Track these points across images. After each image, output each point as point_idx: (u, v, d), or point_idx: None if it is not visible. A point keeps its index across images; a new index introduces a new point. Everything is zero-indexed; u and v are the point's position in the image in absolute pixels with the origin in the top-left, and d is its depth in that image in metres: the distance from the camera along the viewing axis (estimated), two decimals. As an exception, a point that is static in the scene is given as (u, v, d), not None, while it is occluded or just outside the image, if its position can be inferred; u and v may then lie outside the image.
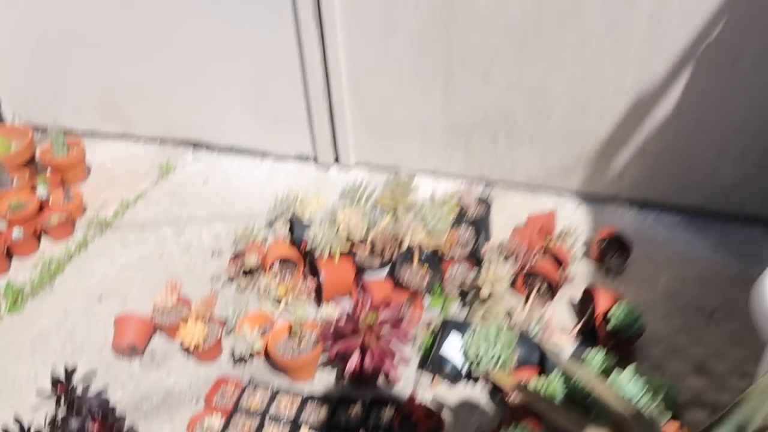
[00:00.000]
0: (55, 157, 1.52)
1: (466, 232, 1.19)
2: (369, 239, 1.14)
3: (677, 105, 1.17)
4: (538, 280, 1.11)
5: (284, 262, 1.19)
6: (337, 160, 1.53)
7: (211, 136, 1.64)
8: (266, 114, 1.52)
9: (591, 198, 1.36)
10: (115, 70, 1.59)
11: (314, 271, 1.15)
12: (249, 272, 1.19)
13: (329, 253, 1.12)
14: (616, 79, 1.18)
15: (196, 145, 1.67)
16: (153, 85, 1.58)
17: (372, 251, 1.14)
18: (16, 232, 1.28)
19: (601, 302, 1.03)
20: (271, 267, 1.17)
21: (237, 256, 1.22)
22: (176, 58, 1.50)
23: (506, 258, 1.11)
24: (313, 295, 1.15)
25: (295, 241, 1.20)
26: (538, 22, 1.16)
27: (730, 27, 1.06)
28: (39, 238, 1.35)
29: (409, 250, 1.13)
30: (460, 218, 1.21)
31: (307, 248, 1.14)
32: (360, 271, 1.14)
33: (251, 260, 1.16)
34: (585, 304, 1.07)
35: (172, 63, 1.52)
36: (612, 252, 1.18)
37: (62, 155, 1.52)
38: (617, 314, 0.99)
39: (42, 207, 1.38)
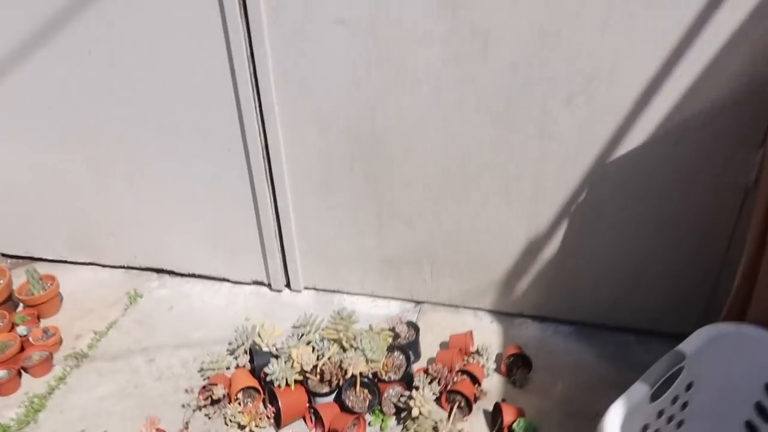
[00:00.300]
0: (32, 294, 1.68)
1: (399, 357, 1.43)
2: (318, 369, 1.37)
3: (561, 246, 1.47)
4: (458, 397, 1.36)
5: (246, 389, 1.40)
6: (288, 285, 1.77)
7: (174, 264, 1.84)
8: (224, 246, 1.75)
9: (502, 314, 1.64)
10: (84, 204, 1.78)
11: (273, 398, 1.36)
12: (216, 401, 1.39)
13: (285, 383, 1.35)
14: (513, 227, 1.48)
15: (161, 272, 1.87)
16: (121, 219, 1.79)
17: (321, 379, 1.37)
18: (2, 374, 1.44)
19: (507, 416, 1.28)
20: (236, 396, 1.37)
21: (205, 387, 1.42)
22: (142, 195, 1.72)
23: (432, 380, 1.36)
24: (272, 419, 1.36)
25: (256, 369, 1.42)
26: (449, 183, 1.46)
27: (592, 193, 1.38)
28: (20, 376, 1.50)
29: (352, 376, 1.36)
30: (393, 345, 1.46)
31: (267, 378, 1.36)
32: (311, 396, 1.36)
33: (218, 392, 1.37)
34: (495, 416, 1.33)
35: (139, 199, 1.73)
36: (517, 367, 1.45)
37: (39, 292, 1.69)
38: (518, 428, 1.24)
39: (23, 345, 1.54)
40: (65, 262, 1.91)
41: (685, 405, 1.11)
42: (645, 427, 1.03)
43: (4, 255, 1.96)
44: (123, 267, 1.90)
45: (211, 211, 1.69)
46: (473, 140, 1.37)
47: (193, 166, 1.61)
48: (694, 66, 1.17)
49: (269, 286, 1.78)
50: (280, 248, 1.69)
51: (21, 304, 1.70)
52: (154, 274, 1.87)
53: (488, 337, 1.56)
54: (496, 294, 1.61)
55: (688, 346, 1.06)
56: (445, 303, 1.67)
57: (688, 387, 1.09)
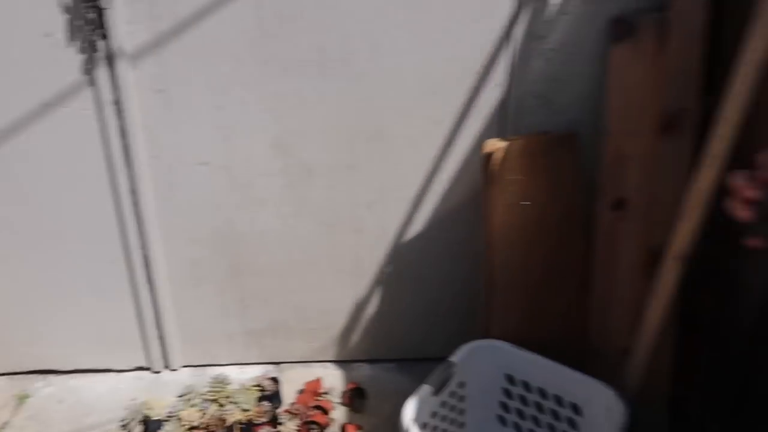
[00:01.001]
0: None
1: (266, 405, 1.88)
2: (204, 424, 1.77)
3: (379, 303, 2.05)
4: (314, 426, 1.84)
5: (146, 451, 1.74)
6: (167, 366, 2.13)
7: (58, 363, 2.10)
8: (106, 340, 2.07)
9: (342, 362, 2.16)
10: None
11: (170, 453, 1.72)
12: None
13: (180, 439, 1.72)
14: (343, 295, 2.03)
15: (45, 372, 2.11)
16: (3, 327, 2.03)
17: None
18: None
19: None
20: (138, 458, 1.71)
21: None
22: (25, 301, 1.99)
23: (292, 417, 1.83)
24: (172, 470, 1.72)
25: (151, 435, 1.77)
26: (295, 270, 1.98)
27: (394, 263, 1.99)
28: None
29: (232, 424, 1.78)
30: (260, 396, 1.91)
31: (164, 439, 1.72)
32: (202, 446, 1.75)
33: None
34: (344, 435, 1.83)
35: (22, 304, 2.00)
36: (356, 397, 1.97)
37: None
38: (359, 438, 1.75)
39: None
40: (-57, 377, 2.07)
41: (462, 397, 1.71)
42: (434, 414, 1.61)
43: None
44: (6, 374, 2.10)
45: (93, 311, 2.01)
46: (309, 238, 1.93)
47: (78, 273, 1.95)
48: (441, 185, 1.86)
49: (149, 369, 2.12)
50: (158, 335, 2.06)
51: None
52: (39, 376, 2.10)
53: (334, 380, 2.07)
54: (337, 347, 2.13)
55: (456, 356, 1.66)
56: (299, 360, 2.14)
57: (461, 385, 1.70)
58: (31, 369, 2.10)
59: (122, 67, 1.69)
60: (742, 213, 0.57)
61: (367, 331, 2.10)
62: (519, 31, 1.61)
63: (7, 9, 1.61)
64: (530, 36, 1.62)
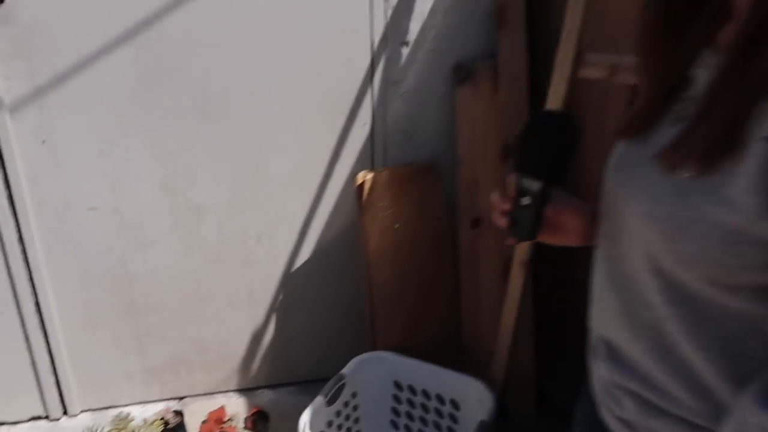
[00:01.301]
0: None
1: (170, 437, 1.94)
2: (108, 462, 1.81)
3: (275, 330, 2.18)
4: (219, 452, 1.92)
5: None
6: (65, 413, 2.13)
7: (-55, 422, 2.05)
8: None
9: (245, 390, 2.26)
10: None
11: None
12: None
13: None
14: (240, 326, 2.14)
15: (-70, 433, 2.05)
16: None
17: (112, 469, 1.81)
18: None
19: (254, 452, 1.90)
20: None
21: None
22: None
23: (197, 445, 1.91)
24: None
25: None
26: (190, 305, 2.07)
27: (284, 290, 2.14)
28: None
29: (137, 459, 1.83)
30: (165, 429, 1.97)
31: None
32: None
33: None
34: (247, 456, 1.93)
35: None
36: (259, 421, 2.08)
37: None
38: (261, 456, 1.86)
39: None
40: None
41: (355, 407, 1.88)
42: (329, 423, 1.76)
43: None
44: None
45: (-17, 366, 2.00)
46: (202, 273, 2.03)
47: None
48: (323, 215, 2.03)
49: (47, 417, 2.11)
50: (54, 381, 2.07)
51: None
52: (-77, 437, 2.04)
53: (237, 407, 2.16)
54: (238, 376, 2.23)
55: (346, 369, 1.83)
56: (202, 393, 2.22)
57: (354, 395, 1.86)
58: None
59: (3, 121, 1.74)
60: (500, 222, 0.78)
61: (266, 358, 2.22)
62: (378, 77, 1.84)
63: None
64: (388, 81, 1.85)
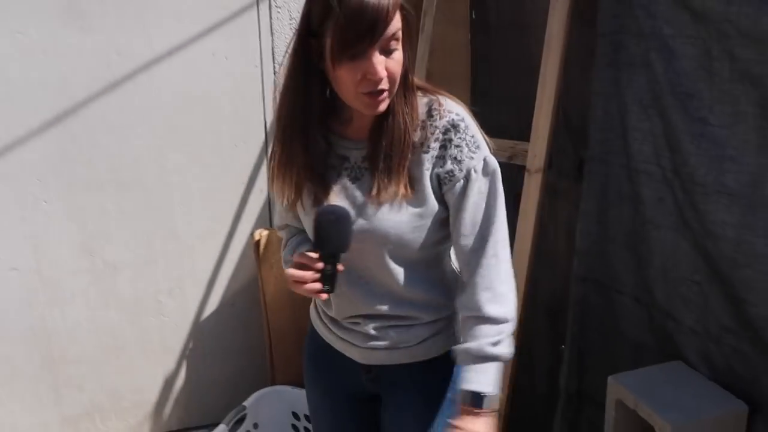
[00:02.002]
0: None
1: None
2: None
3: (185, 378, 2.40)
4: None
5: None
6: (-21, 467, 2.23)
7: None
8: None
9: (157, 436, 2.43)
10: None
11: None
12: None
13: None
14: (152, 374, 2.35)
15: None
16: None
17: None
18: None
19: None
20: None
21: None
22: None
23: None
24: None
25: None
26: (106, 357, 2.27)
27: (195, 340, 2.38)
28: None
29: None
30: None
31: None
32: None
33: None
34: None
35: None
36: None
37: None
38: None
39: None
40: None
41: (255, 438, 2.12)
42: (233, 449, 1.99)
43: None
44: None
45: None
46: (117, 325, 2.25)
47: None
48: (228, 268, 2.32)
49: (-39, 473, 2.21)
50: (-30, 437, 2.19)
51: None
52: None
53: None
54: (151, 422, 2.40)
55: (248, 401, 2.08)
56: (117, 442, 2.39)
57: (255, 426, 2.10)
58: None
59: (-67, 193, 1.96)
60: (315, 287, 1.02)
61: (179, 403, 2.42)
62: (270, 152, 2.21)
63: None
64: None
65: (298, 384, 2.16)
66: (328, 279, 1.02)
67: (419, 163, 1.00)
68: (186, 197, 2.21)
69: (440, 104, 1.01)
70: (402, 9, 0.93)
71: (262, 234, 2.18)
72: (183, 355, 2.38)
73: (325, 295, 1.04)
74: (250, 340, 2.41)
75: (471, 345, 1.00)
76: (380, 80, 0.91)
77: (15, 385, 2.20)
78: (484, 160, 1.00)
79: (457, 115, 1.00)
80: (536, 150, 1.52)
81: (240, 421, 2.02)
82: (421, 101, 1.02)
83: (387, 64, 0.92)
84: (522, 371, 1.92)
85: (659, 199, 1.37)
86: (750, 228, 1.14)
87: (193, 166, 2.19)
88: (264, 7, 2.18)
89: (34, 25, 1.96)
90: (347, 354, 1.16)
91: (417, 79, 1.03)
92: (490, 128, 1.89)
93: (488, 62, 1.95)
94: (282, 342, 2.22)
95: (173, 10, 2.06)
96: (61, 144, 2.05)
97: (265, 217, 2.29)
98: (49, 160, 2.06)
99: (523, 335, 1.87)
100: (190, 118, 2.15)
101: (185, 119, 2.15)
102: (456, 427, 0.98)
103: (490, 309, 1.00)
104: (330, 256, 1.01)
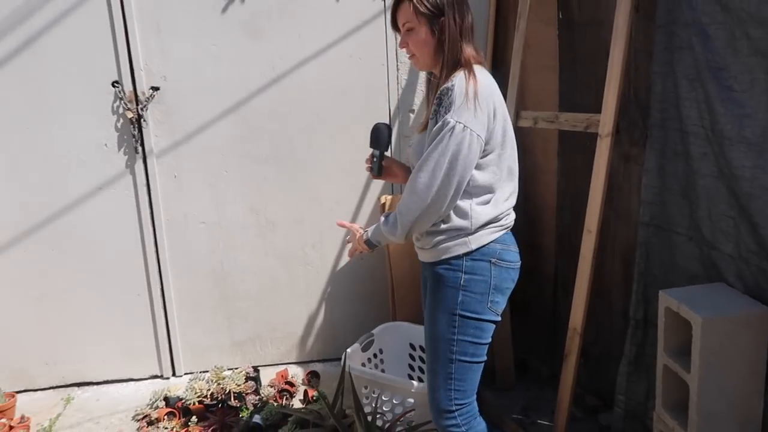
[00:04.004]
0: None
1: (250, 383, 2.74)
2: (209, 392, 2.61)
3: (323, 317, 3.00)
4: (285, 393, 2.70)
5: (168, 414, 2.55)
6: (174, 374, 2.95)
7: (92, 377, 2.89)
8: (130, 355, 2.89)
9: (301, 363, 3.04)
10: (25, 341, 2.80)
11: (188, 413, 2.54)
12: (153, 422, 2.51)
13: (193, 403, 2.55)
14: (298, 314, 2.97)
15: (81, 385, 2.89)
16: (53, 348, 2.83)
17: (211, 398, 2.61)
18: (10, 441, 2.36)
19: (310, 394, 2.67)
20: (163, 418, 2.52)
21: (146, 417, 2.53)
22: (71, 326, 2.81)
23: (270, 389, 2.69)
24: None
25: (170, 402, 2.58)
26: (266, 294, 2.92)
27: (334, 284, 2.97)
28: (16, 445, 2.42)
29: (229, 393, 2.63)
30: (247, 377, 2.76)
31: (183, 405, 2.55)
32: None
33: (154, 415, 2.50)
34: (305, 397, 2.70)
35: (68, 330, 2.81)
36: (313, 378, 2.85)
37: (3, 403, 2.61)
38: (316, 396, 2.63)
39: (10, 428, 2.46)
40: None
41: (382, 360, 2.65)
42: (363, 365, 2.53)
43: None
44: (52, 387, 2.87)
45: (122, 333, 2.85)
46: (273, 271, 2.88)
47: (114, 305, 2.82)
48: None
49: (161, 376, 2.94)
50: (168, 349, 2.91)
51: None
52: (77, 387, 2.88)
53: (297, 371, 2.95)
54: (297, 351, 3.02)
55: (375, 330, 2.62)
56: (270, 363, 3.02)
57: (381, 351, 2.64)
58: (71, 382, 2.88)
59: (151, 163, 2.70)
60: (366, 168, 1.74)
61: (318, 336, 3.02)
62: (394, 133, 2.75)
63: (82, 130, 2.62)
64: (401, 135, 2.76)
65: (414, 321, 2.69)
66: (374, 165, 1.73)
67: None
68: (327, 169, 2.81)
69: (454, 75, 1.48)
70: (413, 7, 1.50)
71: (386, 198, 2.72)
72: (322, 298, 2.98)
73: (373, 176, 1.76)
74: (375, 286, 2.96)
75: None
76: (403, 49, 1.58)
77: (199, 312, 2.91)
78: (444, 119, 1.43)
79: (452, 84, 1.45)
80: (605, 119, 1.92)
81: (369, 345, 2.56)
82: (458, 72, 1.48)
83: (408, 39, 1.55)
84: (602, 312, 2.31)
85: (703, 153, 1.73)
86: (762, 168, 1.49)
87: (334, 144, 2.78)
88: (389, 17, 2.72)
89: (223, 39, 2.64)
90: None
91: (470, 52, 1.51)
92: (573, 106, 2.33)
93: (572, 53, 2.36)
94: (401, 287, 2.75)
95: (321, 24, 2.67)
96: (237, 127, 2.72)
97: (388, 186, 2.84)
98: (229, 139, 2.73)
99: (604, 279, 2.26)
100: (332, 106, 2.74)
101: (328, 107, 2.74)
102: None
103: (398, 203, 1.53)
104: (374, 152, 1.72)
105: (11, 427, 2.49)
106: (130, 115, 2.61)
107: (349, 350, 2.43)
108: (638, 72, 1.98)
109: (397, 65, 2.76)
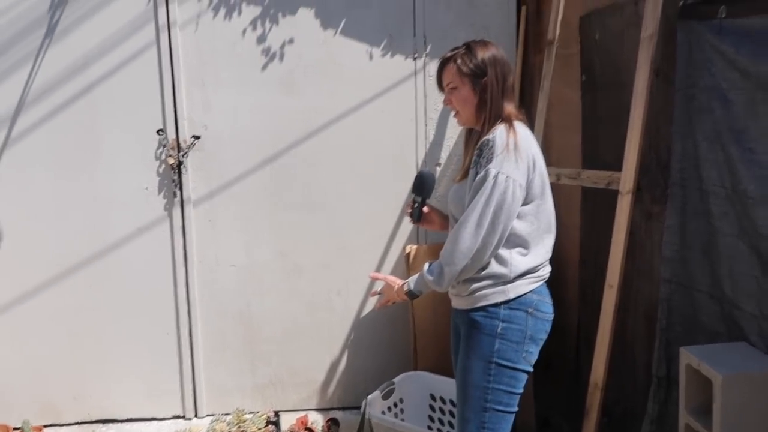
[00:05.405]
0: (29, 439, 2.66)
1: (272, 427, 2.75)
2: (230, 437, 2.63)
3: (345, 366, 3.03)
4: (304, 440, 2.71)
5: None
6: (196, 415, 2.99)
7: (117, 414, 2.94)
8: (154, 394, 2.94)
9: (321, 410, 3.05)
10: (56, 376, 2.88)
11: (207, 456, 2.56)
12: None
13: (215, 445, 2.58)
14: (321, 360, 3.01)
15: (106, 422, 2.94)
16: (82, 385, 2.90)
17: (233, 441, 2.63)
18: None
19: (329, 440, 2.67)
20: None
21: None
22: (100, 365, 2.89)
23: None
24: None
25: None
26: (289, 337, 2.97)
27: (360, 328, 3.01)
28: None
29: (249, 437, 2.65)
30: (267, 421, 2.78)
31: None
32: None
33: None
34: (323, 444, 2.70)
35: (98, 369, 2.89)
36: (333, 425, 2.86)
37: (33, 437, 2.68)
38: (334, 440, 2.63)
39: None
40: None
41: (402, 410, 2.65)
42: (383, 413, 2.54)
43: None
44: (78, 423, 2.92)
45: (148, 369, 2.91)
46: (298, 315, 2.94)
47: (139, 340, 2.90)
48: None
49: (184, 417, 2.98)
50: (192, 390, 2.96)
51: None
52: (101, 425, 2.93)
53: (317, 418, 2.96)
54: (318, 397, 3.04)
55: (396, 378, 2.64)
56: (291, 409, 3.03)
57: (401, 400, 2.64)
58: (97, 419, 2.94)
59: (188, 207, 2.82)
60: (407, 213, 1.84)
61: (340, 383, 3.04)
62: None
63: (126, 173, 2.77)
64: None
65: (435, 370, 2.70)
66: (414, 211, 1.82)
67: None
68: (356, 217, 2.90)
69: (494, 128, 1.56)
70: (457, 68, 1.60)
71: (411, 248, 2.79)
72: (345, 344, 3.01)
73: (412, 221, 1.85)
74: (397, 334, 2.99)
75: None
76: (447, 105, 1.68)
77: (225, 353, 2.96)
78: (487, 169, 1.50)
79: (492, 137, 1.53)
80: (626, 176, 1.98)
81: (389, 393, 2.58)
82: (498, 125, 1.57)
83: (451, 97, 1.64)
84: (625, 369, 2.30)
85: (724, 212, 1.77)
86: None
87: (363, 193, 2.88)
88: (420, 78, 2.86)
89: (261, 93, 2.80)
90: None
91: (510, 110, 1.60)
92: (597, 164, 2.40)
93: (594, 113, 2.45)
94: (424, 336, 2.78)
95: (355, 81, 2.82)
96: (271, 175, 2.85)
97: (414, 236, 2.91)
98: (263, 186, 2.85)
99: (627, 335, 2.27)
100: (363, 157, 2.86)
101: (359, 158, 2.86)
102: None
103: (441, 252, 1.60)
104: (416, 198, 1.81)
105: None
106: (171, 161, 2.76)
107: (369, 397, 2.45)
108: (659, 132, 2.05)
109: (426, 120, 2.88)
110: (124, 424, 2.94)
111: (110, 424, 2.94)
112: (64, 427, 2.91)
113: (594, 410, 2.00)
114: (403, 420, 2.63)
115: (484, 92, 1.58)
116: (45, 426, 2.87)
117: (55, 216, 2.77)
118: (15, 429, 2.72)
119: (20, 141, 2.72)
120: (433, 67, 2.80)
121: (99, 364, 2.89)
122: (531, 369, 1.63)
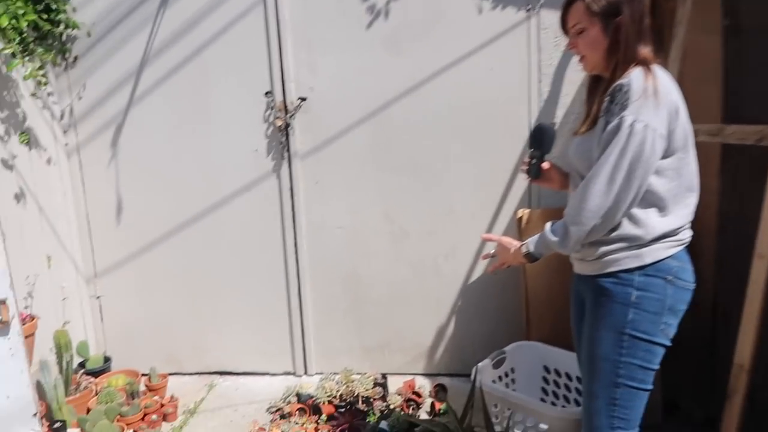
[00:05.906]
0: (153, 384, 2.86)
1: (378, 389, 2.76)
2: (338, 393, 2.67)
3: (453, 331, 2.96)
4: (412, 403, 2.69)
5: (299, 409, 2.64)
6: (305, 373, 3.07)
7: (232, 366, 3.08)
8: (267, 351, 3.05)
9: (427, 375, 3.02)
10: (181, 330, 3.05)
11: (317, 411, 2.62)
12: (285, 416, 2.61)
13: (323, 402, 2.63)
14: (427, 325, 2.96)
15: (222, 374, 3.09)
16: (202, 338, 3.06)
17: (340, 399, 2.66)
18: (154, 417, 2.59)
19: (437, 405, 2.63)
20: (295, 413, 2.61)
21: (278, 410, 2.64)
22: (220, 321, 3.03)
23: (397, 397, 2.70)
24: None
25: (301, 398, 2.68)
26: (396, 300, 2.95)
27: (464, 295, 2.93)
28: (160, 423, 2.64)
29: (357, 395, 2.67)
30: (375, 383, 2.80)
31: (313, 402, 2.63)
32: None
33: (287, 409, 2.60)
34: (432, 409, 2.67)
35: (217, 324, 3.03)
36: (440, 391, 2.82)
37: (157, 382, 2.87)
38: (442, 409, 2.59)
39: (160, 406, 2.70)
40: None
41: (513, 380, 2.55)
42: (494, 381, 2.46)
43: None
44: (198, 373, 3.10)
45: (261, 329, 3.02)
46: (405, 280, 2.90)
47: (256, 303, 2.99)
48: (493, 238, 2.83)
49: (294, 374, 3.07)
50: (302, 348, 3.03)
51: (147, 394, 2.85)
52: (218, 375, 3.09)
53: (424, 383, 2.94)
54: (424, 361, 3.01)
55: (507, 347, 2.53)
56: (397, 372, 3.03)
57: (512, 370, 2.55)
58: (214, 370, 3.10)
59: (296, 168, 2.84)
60: (523, 169, 1.67)
61: (447, 349, 2.98)
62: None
63: (237, 135, 2.83)
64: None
65: (548, 341, 2.56)
66: (532, 167, 1.65)
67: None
68: (462, 181, 2.78)
69: (629, 71, 1.36)
70: (585, 6, 1.41)
71: (524, 212, 2.64)
72: (453, 310, 2.94)
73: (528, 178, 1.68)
74: (506, 301, 2.87)
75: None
76: (572, 50, 1.49)
77: (333, 315, 2.99)
78: (621, 117, 1.31)
79: (627, 80, 1.33)
80: (783, 130, 1.71)
81: (500, 362, 2.48)
82: (634, 68, 1.37)
83: (577, 41, 1.46)
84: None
85: None
86: None
87: (470, 155, 2.75)
88: (534, 30, 2.64)
89: (366, 53, 2.72)
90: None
91: (646, 53, 1.38)
92: (741, 120, 2.12)
93: (740, 62, 2.14)
94: (536, 303, 2.64)
95: (462, 36, 2.66)
96: (376, 137, 2.78)
97: (526, 199, 2.75)
98: (368, 148, 2.80)
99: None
100: (470, 117, 2.72)
101: (465, 118, 2.72)
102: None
103: (566, 210, 1.45)
104: (534, 153, 1.64)
105: (162, 405, 2.72)
106: (279, 123, 2.77)
107: (480, 365, 2.37)
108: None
109: (539, 77, 2.67)
110: (239, 376, 3.08)
111: (226, 376, 3.09)
112: (186, 376, 3.10)
113: (738, 395, 1.79)
114: (514, 390, 2.54)
115: (617, 33, 1.38)
116: (170, 374, 3.06)
117: (172, 176, 2.90)
118: (143, 374, 2.92)
119: (139, 103, 2.86)
120: (548, 18, 2.59)
121: (216, 320, 3.03)
122: (669, 343, 1.45)
